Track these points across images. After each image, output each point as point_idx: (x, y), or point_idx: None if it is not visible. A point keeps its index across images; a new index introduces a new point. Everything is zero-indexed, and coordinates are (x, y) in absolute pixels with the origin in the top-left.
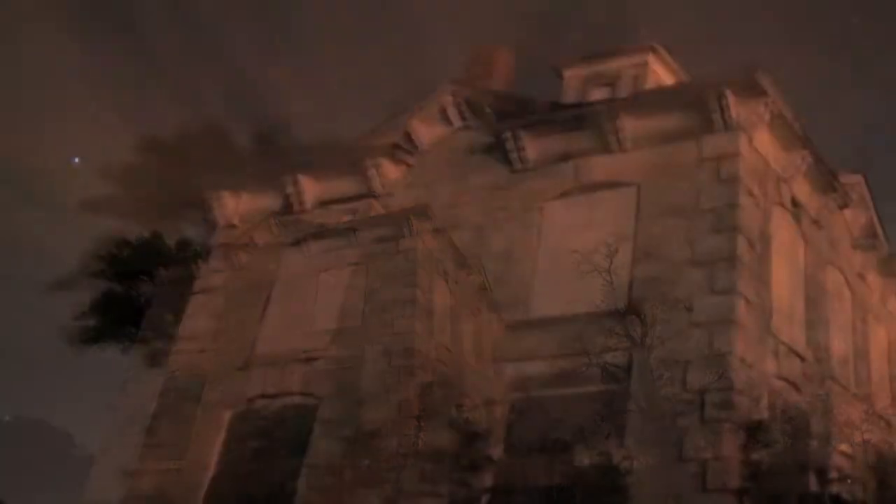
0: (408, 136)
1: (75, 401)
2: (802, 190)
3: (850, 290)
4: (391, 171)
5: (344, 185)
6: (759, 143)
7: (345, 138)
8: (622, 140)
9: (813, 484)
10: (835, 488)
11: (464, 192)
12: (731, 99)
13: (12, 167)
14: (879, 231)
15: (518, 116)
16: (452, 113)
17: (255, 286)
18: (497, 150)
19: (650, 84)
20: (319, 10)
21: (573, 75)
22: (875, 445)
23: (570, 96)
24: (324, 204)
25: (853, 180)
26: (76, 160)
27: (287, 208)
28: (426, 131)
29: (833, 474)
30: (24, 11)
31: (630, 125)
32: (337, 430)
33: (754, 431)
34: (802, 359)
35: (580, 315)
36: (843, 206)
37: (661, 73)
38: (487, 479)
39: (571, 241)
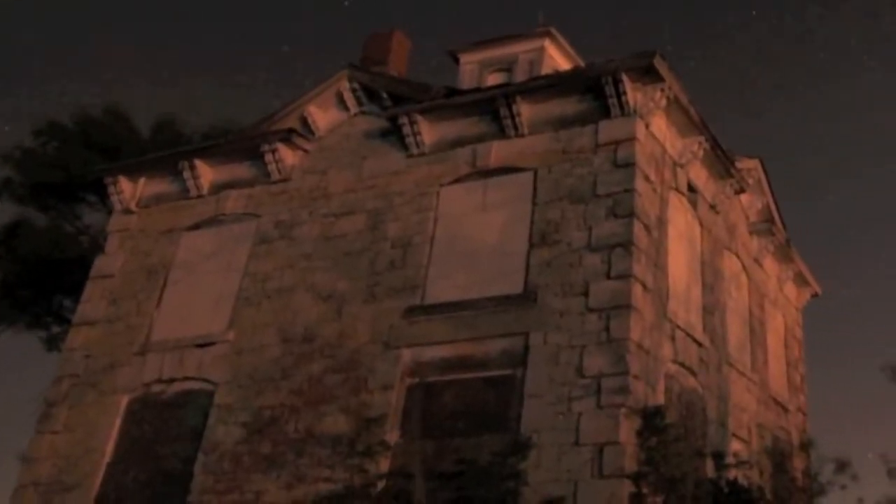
0: (304, 122)
1: None
2: (699, 175)
3: (746, 276)
4: (288, 156)
5: (241, 171)
6: (655, 128)
7: (242, 124)
8: (519, 125)
9: (710, 469)
10: (731, 473)
11: (360, 177)
12: (627, 84)
13: None
14: (776, 216)
15: (414, 101)
16: (349, 98)
17: (152, 271)
18: (393, 135)
19: (547, 69)
20: None
21: (469, 60)
22: (771, 430)
23: (466, 81)
24: (221, 189)
25: (750, 165)
26: None
27: (184, 193)
28: (323, 117)
29: (730, 459)
30: None
31: (526, 110)
32: (234, 416)
33: (651, 417)
34: (699, 344)
35: (477, 300)
36: (739, 192)
37: (557, 59)
38: (384, 465)
39: (468, 226)
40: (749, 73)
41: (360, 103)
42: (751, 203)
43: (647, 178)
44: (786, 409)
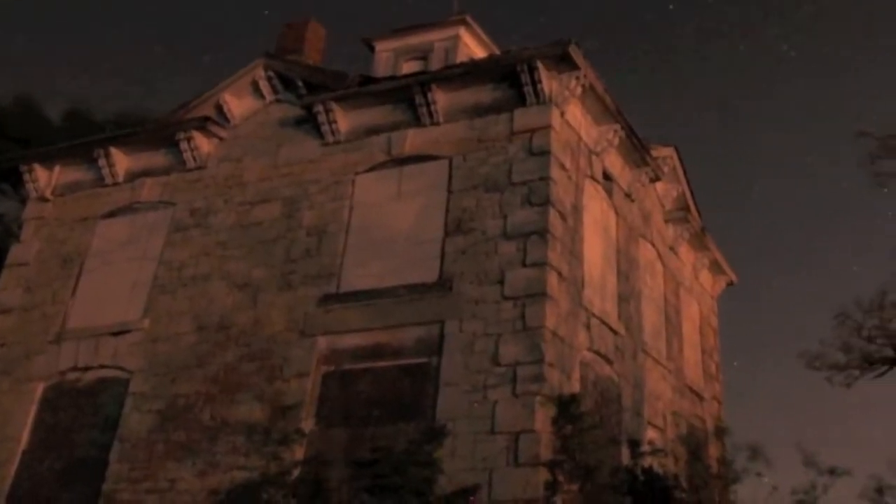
0: (220, 110)
1: None
2: (614, 163)
3: (662, 264)
4: (203, 144)
5: (156, 159)
6: (570, 116)
7: (158, 112)
8: (434, 113)
9: (625, 457)
10: (647, 461)
11: (275, 165)
12: (542, 72)
13: None
14: (691, 204)
15: (330, 89)
16: (264, 86)
17: (68, 259)
18: (309, 123)
19: (462, 57)
20: None
21: (385, 48)
22: (686, 418)
23: (381, 70)
24: (136, 177)
25: (665, 153)
26: None
27: (99, 181)
28: (238, 105)
29: (645, 447)
30: None
31: (442, 98)
32: (149, 404)
33: (566, 405)
34: (614, 332)
35: (392, 288)
36: (654, 180)
37: (473, 47)
38: (299, 453)
39: (383, 213)
40: (666, 62)
41: (275, 91)
42: (666, 191)
43: (562, 167)
44: (701, 398)
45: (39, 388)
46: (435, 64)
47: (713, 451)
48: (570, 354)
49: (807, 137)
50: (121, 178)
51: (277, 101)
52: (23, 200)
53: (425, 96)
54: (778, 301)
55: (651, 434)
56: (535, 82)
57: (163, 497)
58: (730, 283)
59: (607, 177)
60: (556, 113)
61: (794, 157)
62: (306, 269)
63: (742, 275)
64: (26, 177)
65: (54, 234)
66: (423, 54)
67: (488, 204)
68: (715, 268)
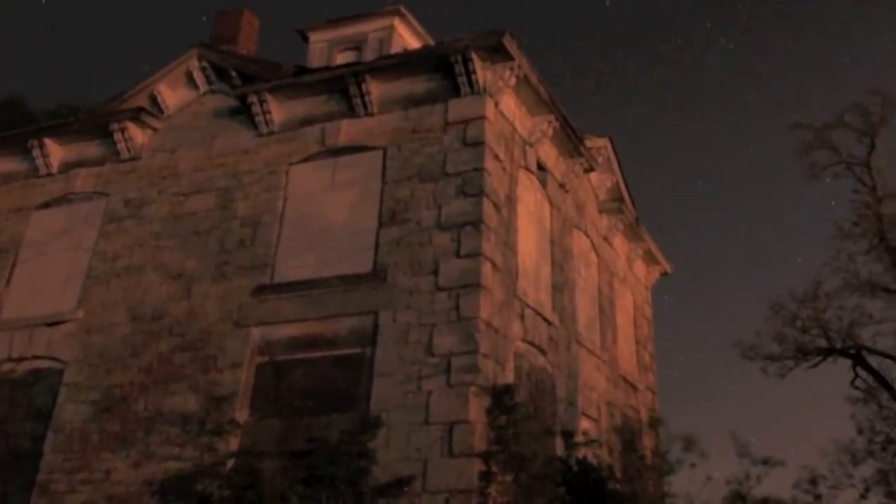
0: (154, 101)
1: None
2: (549, 154)
3: (596, 254)
4: (137, 134)
5: (90, 149)
6: (505, 107)
7: (92, 103)
8: (368, 104)
9: (559, 448)
10: (581, 452)
11: (210, 155)
12: (477, 63)
13: None
14: (625, 195)
15: (264, 80)
16: (198, 77)
17: (2, 249)
18: (243, 113)
19: (396, 48)
20: None
21: (319, 39)
22: (621, 409)
23: (316, 60)
24: (71, 167)
25: (599, 144)
26: None
27: (33, 171)
28: (172, 95)
29: (579, 438)
30: None
31: (376, 89)
32: (83, 394)
33: (500, 395)
34: (549, 322)
35: (326, 279)
36: (589, 170)
37: (407, 38)
38: (233, 443)
39: (318, 204)
40: (601, 53)
41: (209, 82)
42: (600, 181)
43: (496, 157)
44: (635, 388)
45: None
46: (369, 55)
47: (647, 441)
48: (505, 345)
49: (748, 129)
50: (55, 169)
51: (212, 91)
52: None
53: (359, 87)
54: (717, 292)
55: (585, 425)
56: (469, 73)
57: (97, 488)
58: (664, 274)
59: (541, 167)
60: (490, 103)
61: (735, 148)
62: (240, 259)
63: (681, 266)
64: None
65: None
66: (358, 45)
67: (423, 194)
68: (649, 258)
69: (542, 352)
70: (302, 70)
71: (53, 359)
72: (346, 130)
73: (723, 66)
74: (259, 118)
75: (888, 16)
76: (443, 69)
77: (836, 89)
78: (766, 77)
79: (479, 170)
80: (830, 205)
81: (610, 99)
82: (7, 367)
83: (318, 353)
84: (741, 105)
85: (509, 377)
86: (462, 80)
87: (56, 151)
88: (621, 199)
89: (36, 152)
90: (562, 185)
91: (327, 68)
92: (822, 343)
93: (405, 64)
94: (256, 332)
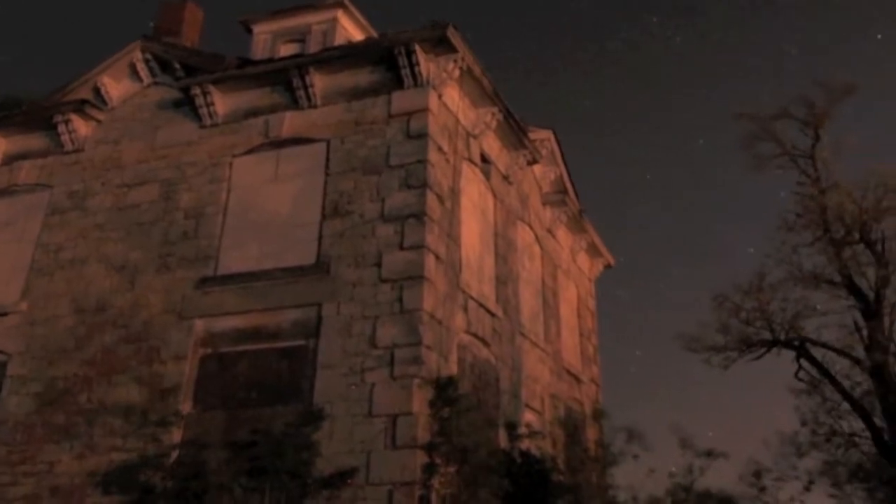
0: (98, 93)
1: None
2: (492, 146)
3: (539, 246)
4: (81, 127)
5: (34, 141)
6: (448, 99)
7: (36, 94)
8: (312, 96)
9: (503, 439)
10: (524, 444)
11: (153, 147)
12: (420, 55)
13: None
14: (569, 187)
15: (207, 72)
16: (142, 69)
17: None
18: (187, 105)
19: (340, 40)
20: None
21: (263, 31)
22: (564, 401)
23: (259, 52)
24: (14, 159)
25: (543, 136)
26: None
27: None
28: (116, 87)
29: (523, 430)
30: None
31: (319, 81)
32: (27, 387)
33: (444, 387)
34: (492, 314)
35: (270, 271)
36: (532, 162)
37: (351, 29)
38: (177, 435)
39: (261, 196)
40: (548, 47)
41: (153, 74)
42: (544, 174)
43: (440, 149)
44: (579, 380)
45: None
46: (313, 47)
47: (591, 433)
48: (448, 337)
49: (697, 121)
50: None
51: (155, 83)
52: None
53: (303, 79)
54: (670, 284)
55: (529, 416)
56: (412, 65)
57: (41, 480)
58: (607, 266)
59: (485, 159)
60: (433, 96)
61: (684, 140)
62: (184, 251)
63: (631, 259)
64: None
65: None
66: (301, 37)
67: (366, 187)
68: (592, 250)
69: (486, 344)
70: (245, 62)
71: None
72: (290, 122)
73: (670, 58)
74: (202, 110)
75: (832, 2)
76: (386, 61)
77: (786, 80)
78: (715, 69)
79: (423, 162)
80: (780, 196)
81: (557, 93)
82: None
83: (262, 345)
84: (690, 97)
85: (453, 369)
86: (405, 72)
87: None
88: (565, 192)
89: None
90: (505, 178)
91: (271, 60)
92: (766, 335)
93: (349, 56)
94: (200, 324)
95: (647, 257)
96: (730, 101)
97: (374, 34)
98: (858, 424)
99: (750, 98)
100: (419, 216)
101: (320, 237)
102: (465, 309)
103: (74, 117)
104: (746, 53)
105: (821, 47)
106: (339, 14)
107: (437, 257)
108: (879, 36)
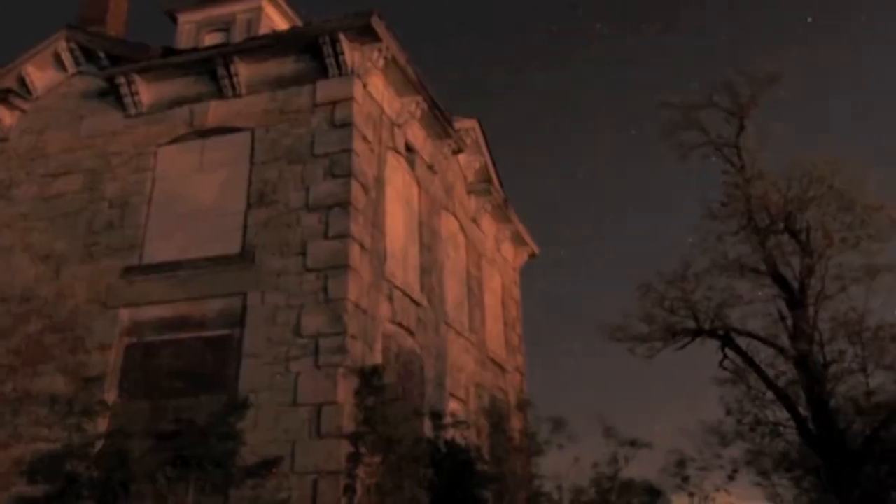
0: (22, 82)
1: None
2: (417, 135)
3: (464, 236)
4: (6, 116)
5: None
6: (373, 88)
7: None
8: (236, 85)
9: (428, 429)
10: (449, 433)
11: (78, 137)
12: (345, 44)
13: None
14: (494, 176)
15: (132, 61)
16: (66, 58)
17: None
18: (112, 95)
19: (265, 29)
20: None
21: (188, 20)
22: (489, 390)
23: (184, 41)
24: None
25: (467, 125)
26: None
27: None
28: (41, 76)
29: (447, 419)
30: None
31: (244, 70)
32: None
33: (369, 376)
34: (417, 304)
35: (195, 260)
36: (457, 152)
37: (275, 19)
38: (102, 424)
39: (186, 185)
40: (471, 35)
41: (77, 63)
42: (468, 163)
43: (364, 139)
44: (503, 370)
45: None
46: (237, 36)
47: (516, 423)
48: (373, 326)
49: (629, 111)
50: None
51: (80, 73)
52: None
53: (227, 68)
54: (579, 272)
55: (454, 406)
56: (337, 54)
57: None
58: (532, 256)
59: (410, 149)
60: (358, 85)
61: (616, 130)
62: (109, 240)
63: (553, 248)
64: None
65: None
66: (226, 26)
67: (291, 176)
68: (517, 240)
69: (411, 333)
70: (170, 51)
71: None
72: (215, 112)
73: (600, 50)
74: (127, 99)
75: None
76: (311, 50)
77: (715, 68)
78: (645, 59)
79: (347, 151)
80: (707, 185)
81: (484, 83)
82: None
83: (187, 335)
84: (622, 87)
85: (377, 358)
86: (330, 61)
87: None
88: (489, 181)
89: None
90: (430, 167)
91: (195, 49)
92: (691, 324)
93: (273, 45)
94: (125, 314)
95: (584, 248)
96: (662, 90)
97: (300, 23)
98: (783, 414)
99: (684, 86)
100: (344, 205)
101: (245, 226)
102: (390, 298)
103: None
104: (678, 40)
105: (752, 32)
106: (264, 3)
107: (362, 246)
108: (809, 19)
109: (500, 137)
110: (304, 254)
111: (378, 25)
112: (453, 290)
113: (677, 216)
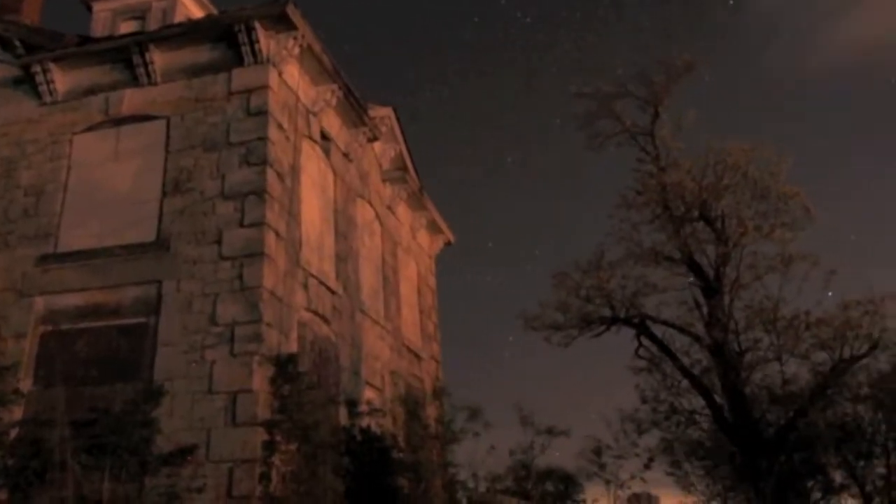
0: None
1: None
2: (332, 123)
3: (380, 224)
4: None
5: None
6: (288, 76)
7: None
8: (152, 73)
9: (343, 417)
10: (365, 421)
11: None
12: (260, 32)
13: None
14: (409, 164)
15: (48, 50)
16: None
17: None
18: (27, 83)
19: (180, 17)
20: None
21: (103, 8)
22: (405, 378)
23: (100, 30)
24: None
25: (383, 113)
26: None
27: None
28: None
29: (363, 407)
30: None
31: (159, 58)
32: None
33: (284, 365)
34: (333, 292)
35: (110, 248)
36: (372, 140)
37: (191, 7)
38: (17, 413)
39: (102, 173)
40: (391, 23)
41: None
42: (384, 151)
43: (280, 127)
44: (419, 358)
45: None
46: (153, 24)
47: (432, 411)
48: (289, 314)
49: (551, 100)
50: None
51: None
52: None
53: (143, 56)
54: (496, 260)
55: (369, 394)
56: (252, 42)
57: None
58: (448, 243)
59: (325, 137)
60: (273, 73)
61: (539, 120)
62: (24, 229)
63: (470, 236)
64: None
65: None
66: (142, 14)
67: (206, 164)
68: (433, 227)
69: (326, 321)
70: (86, 40)
71: None
72: (130, 100)
73: (522, 40)
74: (43, 87)
75: None
76: (227, 38)
77: (638, 54)
78: (567, 47)
79: (263, 139)
80: (621, 173)
81: (403, 72)
82: None
83: (102, 323)
84: (544, 76)
85: (293, 346)
86: (246, 49)
87: None
88: (405, 169)
89: None
90: (345, 155)
91: (111, 38)
92: (606, 312)
93: (189, 33)
94: (40, 302)
95: (506, 237)
96: (584, 80)
97: (215, 11)
98: (699, 402)
99: (608, 74)
100: (259, 193)
101: (161, 214)
102: (306, 286)
103: None
104: (596, 29)
105: (673, 17)
106: None
107: (278, 234)
108: (731, 1)
109: (421, 127)
110: (219, 242)
111: (294, 14)
112: (369, 278)
113: (600, 204)
